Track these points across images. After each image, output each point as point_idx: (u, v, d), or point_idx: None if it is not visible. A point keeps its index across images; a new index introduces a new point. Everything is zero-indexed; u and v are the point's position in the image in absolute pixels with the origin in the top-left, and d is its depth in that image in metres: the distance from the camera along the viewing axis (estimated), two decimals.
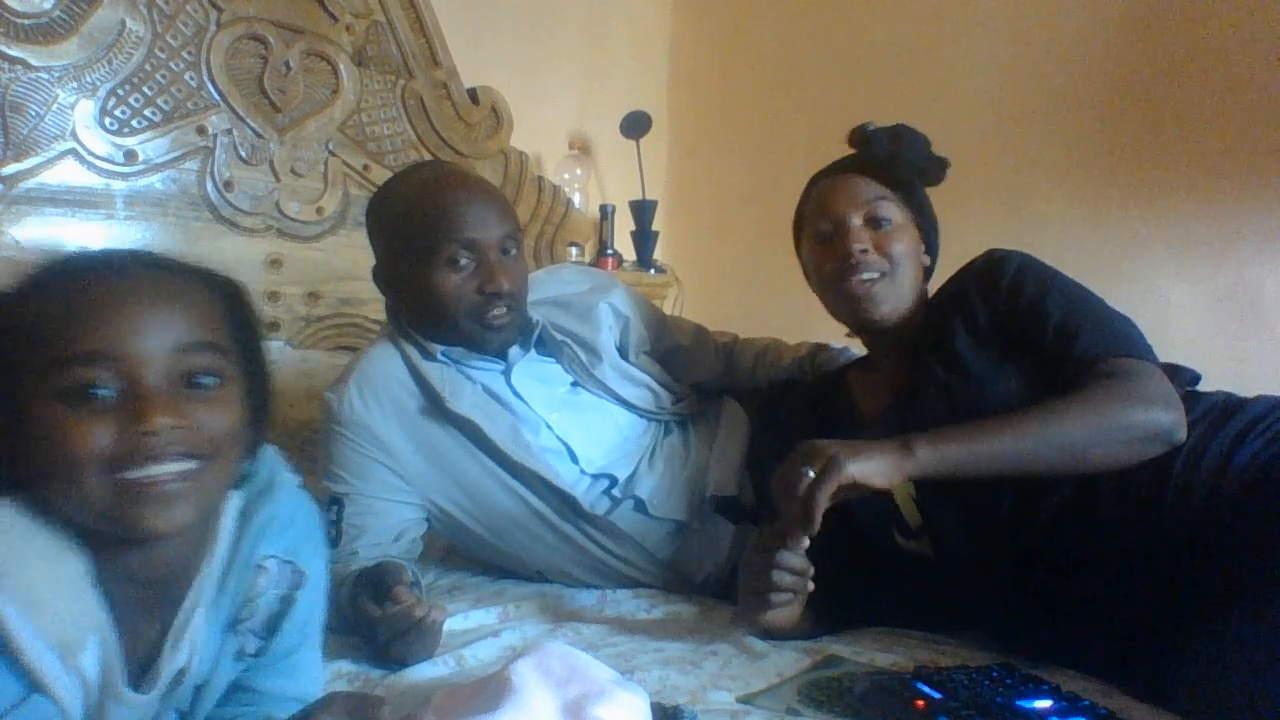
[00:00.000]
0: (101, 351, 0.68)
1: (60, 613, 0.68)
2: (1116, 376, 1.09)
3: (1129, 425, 1.05)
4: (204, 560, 0.77)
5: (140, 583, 0.74)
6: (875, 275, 1.26)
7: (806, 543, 1.09)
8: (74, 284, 0.70)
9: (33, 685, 0.67)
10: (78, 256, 0.74)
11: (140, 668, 0.75)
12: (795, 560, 1.09)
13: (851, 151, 1.36)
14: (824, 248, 1.30)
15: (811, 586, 1.12)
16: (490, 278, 1.34)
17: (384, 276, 1.43)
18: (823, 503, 1.02)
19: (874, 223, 1.28)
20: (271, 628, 0.82)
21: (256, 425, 0.78)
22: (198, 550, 0.77)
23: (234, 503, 0.79)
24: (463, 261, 1.34)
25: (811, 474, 1.03)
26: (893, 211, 1.29)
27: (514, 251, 1.39)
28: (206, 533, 0.77)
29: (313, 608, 0.86)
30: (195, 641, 0.76)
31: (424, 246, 1.34)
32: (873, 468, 1.04)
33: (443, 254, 1.33)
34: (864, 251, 1.25)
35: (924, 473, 1.06)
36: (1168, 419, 1.05)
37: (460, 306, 1.35)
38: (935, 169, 1.32)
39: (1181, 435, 1.06)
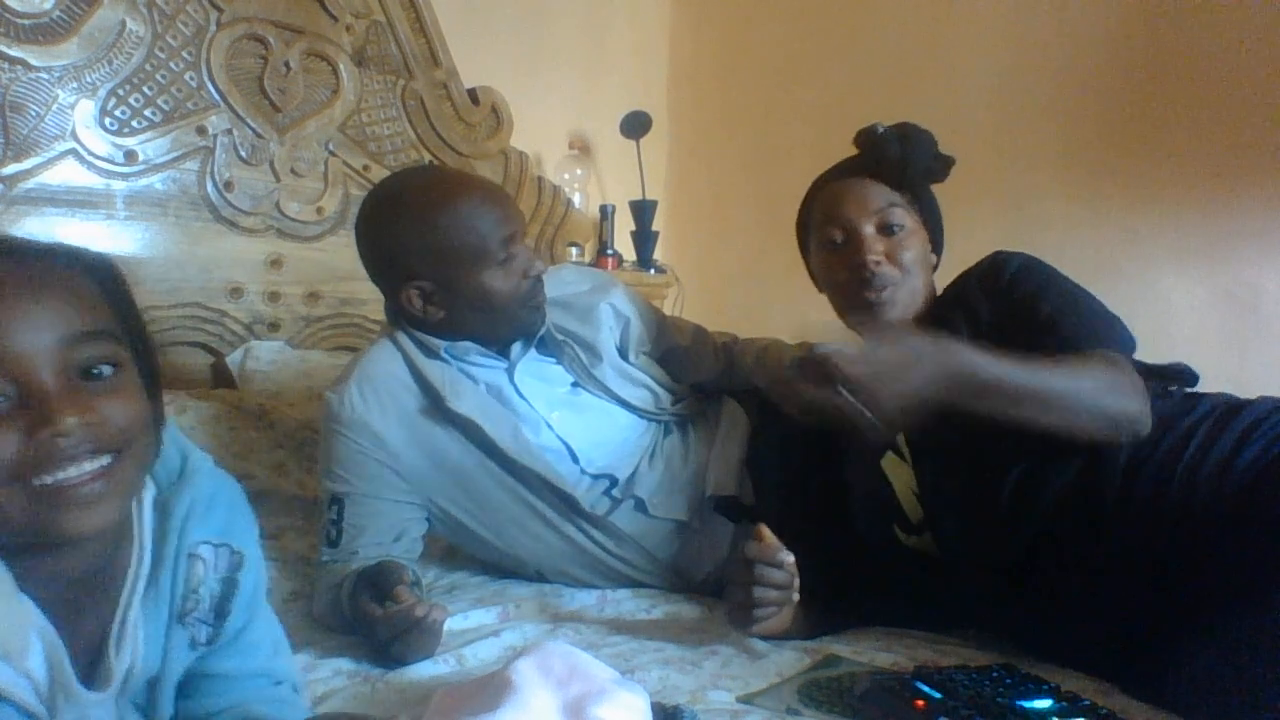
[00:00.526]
0: None
1: None
2: (1094, 362, 1.11)
3: (1101, 405, 1.06)
4: (128, 556, 0.75)
5: (64, 584, 0.71)
6: (889, 285, 1.26)
7: (790, 557, 1.09)
8: None
9: None
10: None
11: (88, 665, 0.73)
12: (777, 575, 1.09)
13: (854, 151, 1.34)
14: (835, 256, 1.30)
15: (796, 598, 1.12)
16: (530, 263, 1.40)
17: (419, 302, 1.38)
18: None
19: (886, 230, 1.27)
20: (219, 613, 0.80)
21: (155, 406, 0.74)
22: (120, 546, 0.75)
23: (148, 495, 0.77)
24: (503, 256, 1.37)
25: (849, 399, 1.01)
26: (904, 217, 1.28)
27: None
28: (124, 527, 0.75)
29: (256, 584, 0.83)
30: (136, 639, 0.75)
31: (476, 253, 1.35)
32: (910, 411, 1.04)
33: (497, 255, 1.36)
34: (878, 263, 1.25)
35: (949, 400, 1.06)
36: (1135, 408, 1.08)
37: (515, 298, 1.39)
38: (942, 168, 1.31)
39: (1146, 427, 1.08)
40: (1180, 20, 1.99)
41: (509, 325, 1.42)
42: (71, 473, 0.65)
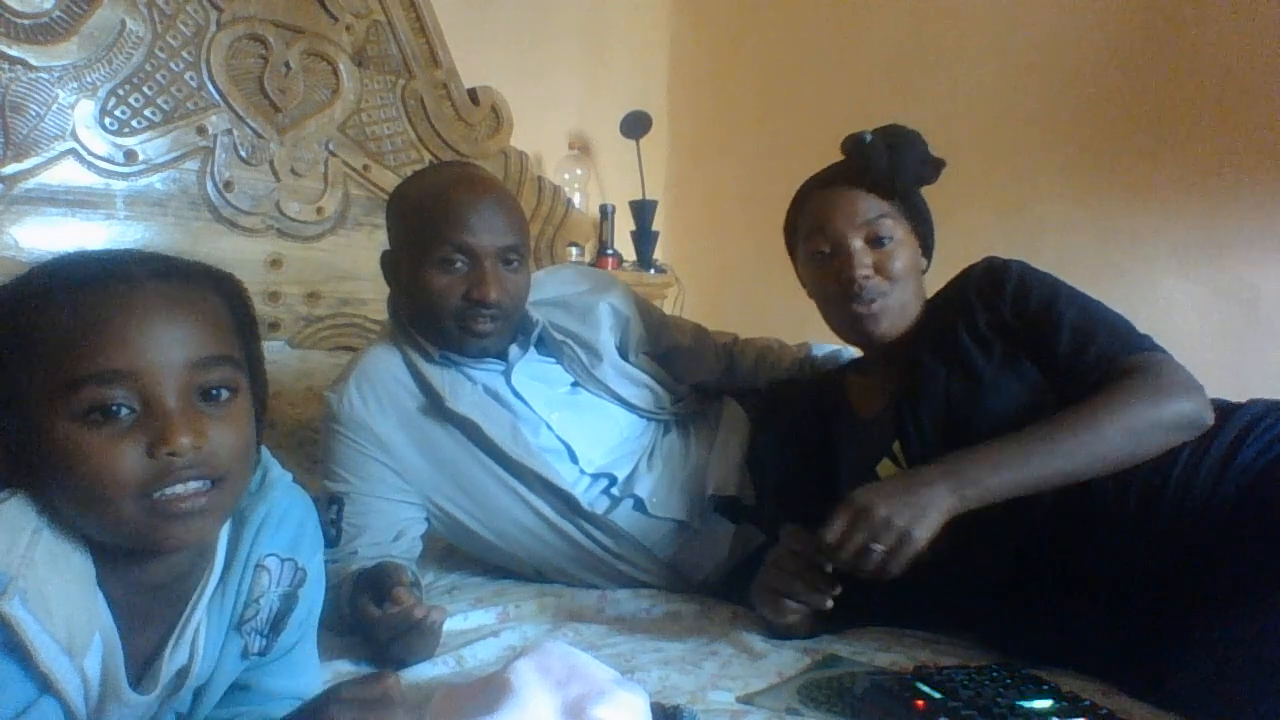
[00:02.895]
0: (120, 371, 0.66)
1: (68, 614, 0.67)
2: (1141, 372, 1.10)
3: (1163, 419, 1.07)
4: (205, 564, 0.77)
5: (142, 590, 0.74)
6: (878, 298, 1.25)
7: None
8: (84, 295, 0.67)
9: (43, 687, 0.67)
10: (81, 262, 0.71)
11: (140, 668, 0.75)
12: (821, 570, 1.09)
13: (843, 157, 1.31)
14: (823, 268, 1.28)
15: (830, 604, 1.11)
16: (478, 285, 1.33)
17: (390, 265, 1.44)
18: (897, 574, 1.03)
19: (875, 242, 1.26)
20: (276, 626, 0.81)
21: (257, 429, 0.77)
22: (200, 560, 0.77)
23: None
24: (457, 264, 1.34)
25: (879, 550, 1.03)
26: (893, 228, 1.26)
27: (515, 264, 1.38)
28: (208, 543, 0.77)
29: (313, 604, 0.86)
30: (197, 643, 0.76)
31: (422, 243, 1.34)
32: (933, 525, 1.05)
33: (437, 253, 1.33)
34: (866, 277, 1.24)
35: (969, 508, 1.07)
36: (1196, 405, 1.08)
37: (444, 308, 1.35)
38: (931, 171, 1.28)
39: (1210, 418, 1.08)
40: (1178, 21, 1.99)
41: (438, 331, 1.38)
42: (178, 489, 0.68)
